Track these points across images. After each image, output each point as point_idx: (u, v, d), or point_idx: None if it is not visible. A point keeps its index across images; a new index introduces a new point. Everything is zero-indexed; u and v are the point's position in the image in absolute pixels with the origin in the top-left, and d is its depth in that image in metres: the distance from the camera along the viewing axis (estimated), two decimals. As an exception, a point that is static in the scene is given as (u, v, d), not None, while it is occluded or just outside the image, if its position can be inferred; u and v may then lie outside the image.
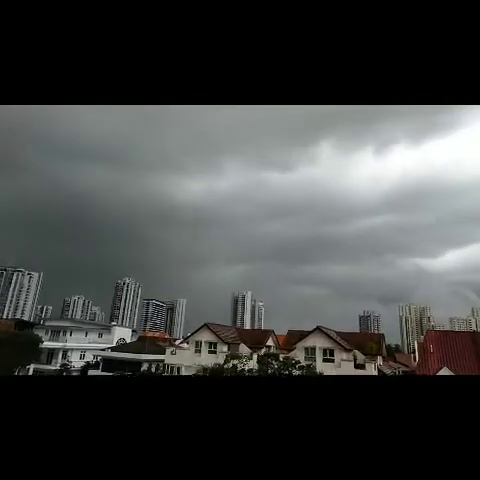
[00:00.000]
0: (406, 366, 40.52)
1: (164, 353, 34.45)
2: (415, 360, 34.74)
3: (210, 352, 31.85)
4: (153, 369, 35.68)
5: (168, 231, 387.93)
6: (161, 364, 34.47)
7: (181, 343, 46.77)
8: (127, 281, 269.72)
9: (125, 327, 72.38)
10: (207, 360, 27.79)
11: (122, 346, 44.20)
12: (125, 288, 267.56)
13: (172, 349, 35.13)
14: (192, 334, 34.73)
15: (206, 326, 33.22)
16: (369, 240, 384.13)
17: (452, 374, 22.26)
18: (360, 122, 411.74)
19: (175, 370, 32.29)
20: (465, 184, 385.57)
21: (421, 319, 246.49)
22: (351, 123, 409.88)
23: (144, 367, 36.09)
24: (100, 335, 50.77)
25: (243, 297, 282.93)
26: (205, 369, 24.67)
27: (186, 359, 31.68)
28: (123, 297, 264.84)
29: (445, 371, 22.68)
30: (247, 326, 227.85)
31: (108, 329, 53.95)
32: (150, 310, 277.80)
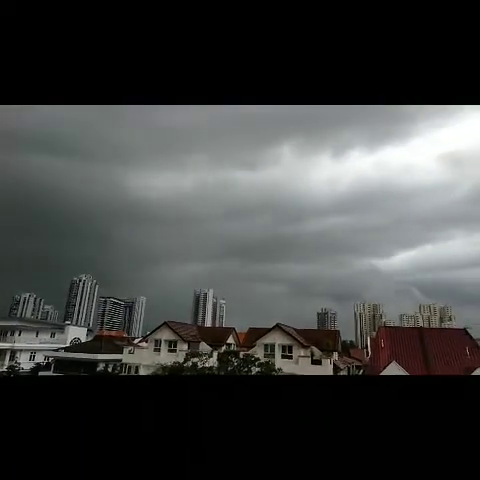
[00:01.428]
0: (359, 361, 42.54)
1: (122, 352, 33.41)
2: (368, 355, 36.60)
3: (170, 351, 31.41)
4: (110, 369, 34.52)
5: (128, 228, 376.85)
6: (118, 364, 33.44)
7: (140, 342, 45.57)
8: (83, 278, 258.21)
9: (80, 326, 69.35)
10: (166, 359, 27.38)
11: (76, 346, 42.25)
12: (81, 285, 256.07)
13: (130, 348, 34.16)
14: (151, 333, 34.00)
15: (166, 324, 32.68)
16: (326, 240, 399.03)
17: (400, 367, 23.75)
18: (321, 128, 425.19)
19: (133, 369, 31.48)
20: (416, 189, 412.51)
21: (374, 316, 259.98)
22: (313, 128, 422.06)
23: (100, 367, 34.82)
24: (53, 335, 48.19)
25: (205, 295, 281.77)
26: (164, 368, 24.30)
27: (145, 358, 30.99)
28: (79, 295, 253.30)
29: (394, 365, 24.12)
30: (208, 324, 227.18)
31: (61, 329, 51.33)
32: (107, 309, 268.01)
